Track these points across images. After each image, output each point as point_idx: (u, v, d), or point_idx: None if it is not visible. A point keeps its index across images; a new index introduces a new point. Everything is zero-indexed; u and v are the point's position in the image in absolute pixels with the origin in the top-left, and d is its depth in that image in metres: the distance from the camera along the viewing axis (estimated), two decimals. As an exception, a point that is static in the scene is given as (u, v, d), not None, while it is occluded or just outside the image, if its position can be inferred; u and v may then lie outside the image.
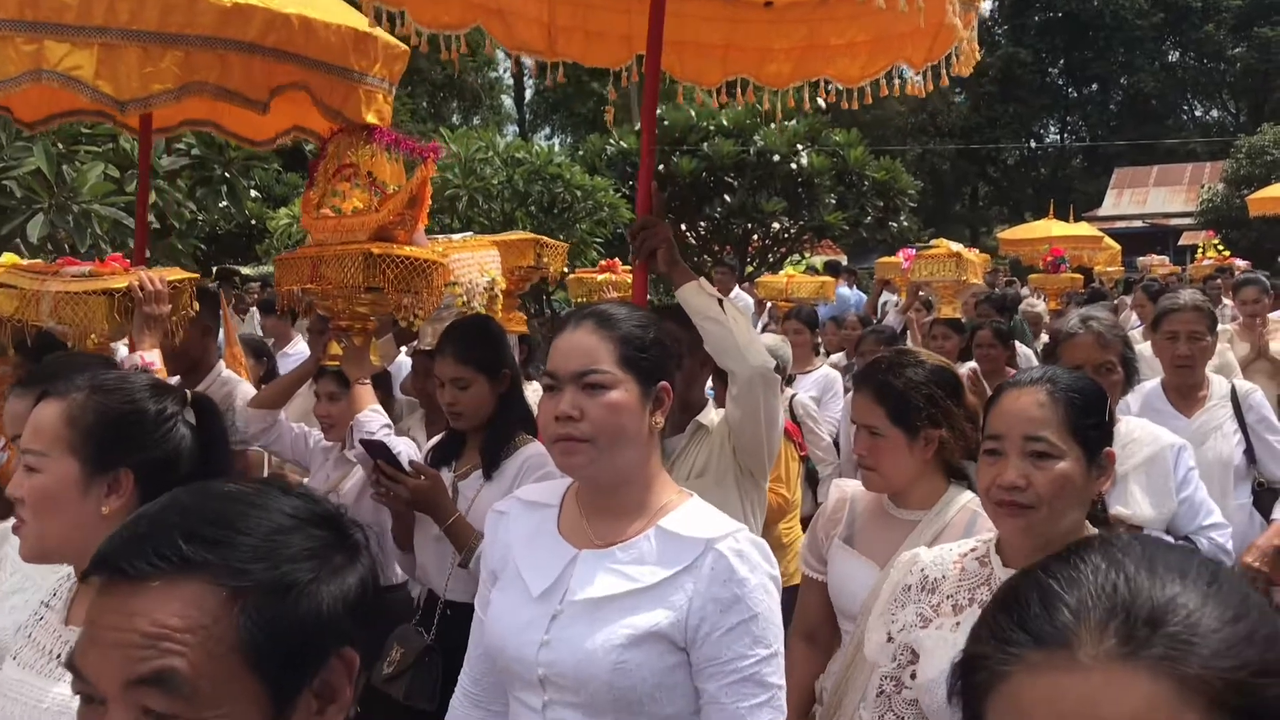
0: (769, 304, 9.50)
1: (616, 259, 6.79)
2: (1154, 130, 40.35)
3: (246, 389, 3.83)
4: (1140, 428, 3.09)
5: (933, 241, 7.42)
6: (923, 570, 2.01)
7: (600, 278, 6.13)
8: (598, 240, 11.56)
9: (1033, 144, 46.16)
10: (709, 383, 3.10)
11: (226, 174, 7.81)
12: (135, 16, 2.79)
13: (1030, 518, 1.83)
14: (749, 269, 15.21)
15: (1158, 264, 16.07)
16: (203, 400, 1.74)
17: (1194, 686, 0.71)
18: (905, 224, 16.59)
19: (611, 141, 15.00)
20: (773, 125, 14.37)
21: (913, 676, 1.92)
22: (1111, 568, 0.78)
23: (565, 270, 5.28)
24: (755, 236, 15.95)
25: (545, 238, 4.94)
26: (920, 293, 7.53)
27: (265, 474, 3.98)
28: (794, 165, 14.55)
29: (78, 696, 0.96)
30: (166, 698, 0.91)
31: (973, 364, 5.28)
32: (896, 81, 3.28)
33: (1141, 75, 42.11)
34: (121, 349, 3.31)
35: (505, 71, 36.87)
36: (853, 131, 15.90)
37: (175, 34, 2.85)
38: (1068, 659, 0.74)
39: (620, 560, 1.74)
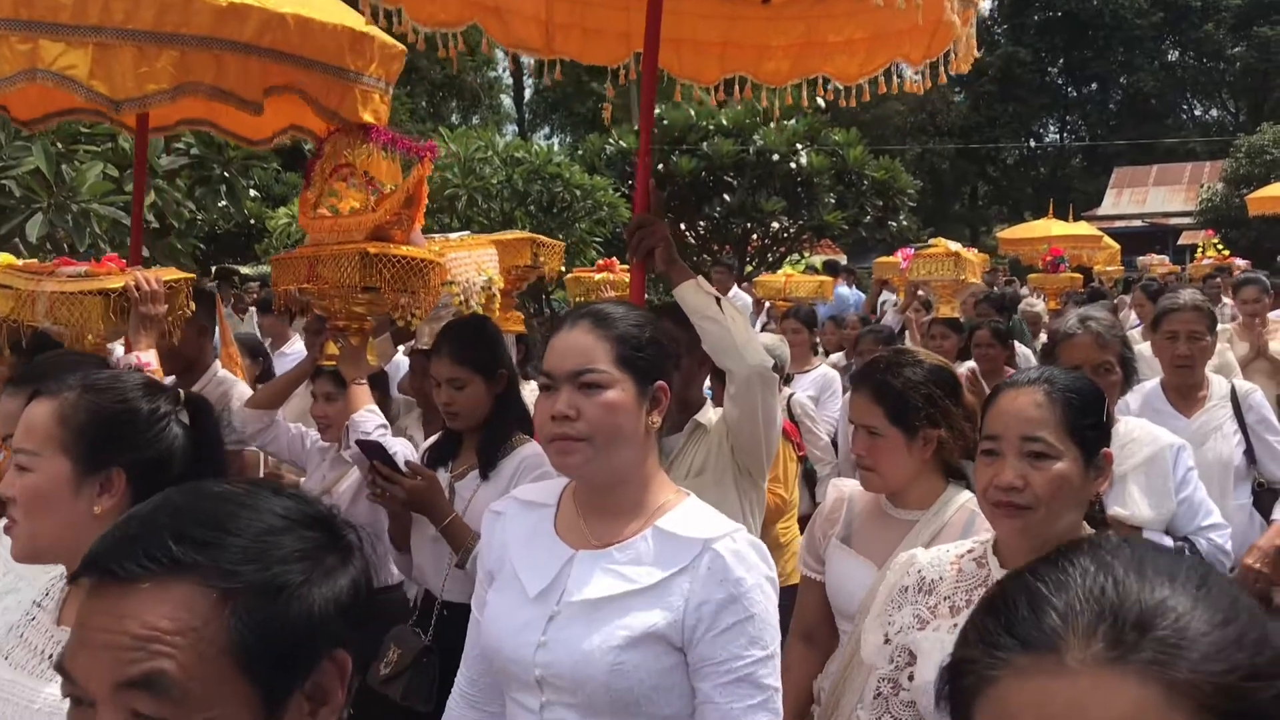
0: (767, 303, 9.50)
1: (614, 258, 6.78)
2: (1153, 130, 40.38)
3: (243, 389, 3.82)
4: (1139, 428, 3.08)
5: (931, 241, 7.41)
6: (920, 571, 2.00)
7: (598, 277, 6.13)
8: (597, 240, 11.56)
9: (1032, 143, 46.17)
10: (707, 382, 3.10)
11: (225, 173, 7.80)
12: (130, 16, 2.78)
13: (1027, 519, 1.82)
14: (748, 268, 15.21)
15: (1157, 263, 16.06)
16: (196, 400, 1.73)
17: (1183, 691, 0.70)
18: (905, 223, 16.60)
19: (611, 141, 15.01)
20: (772, 125, 14.38)
21: (910, 678, 1.91)
22: (1100, 570, 0.77)
23: (562, 270, 5.26)
24: (755, 236, 15.96)
25: (541, 237, 4.94)
26: (920, 292, 7.52)
27: (261, 474, 3.97)
28: (793, 165, 14.56)
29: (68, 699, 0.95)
30: (156, 700, 0.90)
31: (971, 363, 5.27)
32: (895, 79, 3.27)
33: (1141, 74, 42.13)
34: (118, 349, 3.30)
35: (504, 71, 36.89)
36: (852, 131, 15.92)
37: (170, 34, 2.84)
38: (1055, 663, 0.73)
39: (617, 561, 1.73)
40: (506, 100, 40.07)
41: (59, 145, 6.78)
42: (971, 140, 40.46)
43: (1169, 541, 2.90)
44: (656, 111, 13.72)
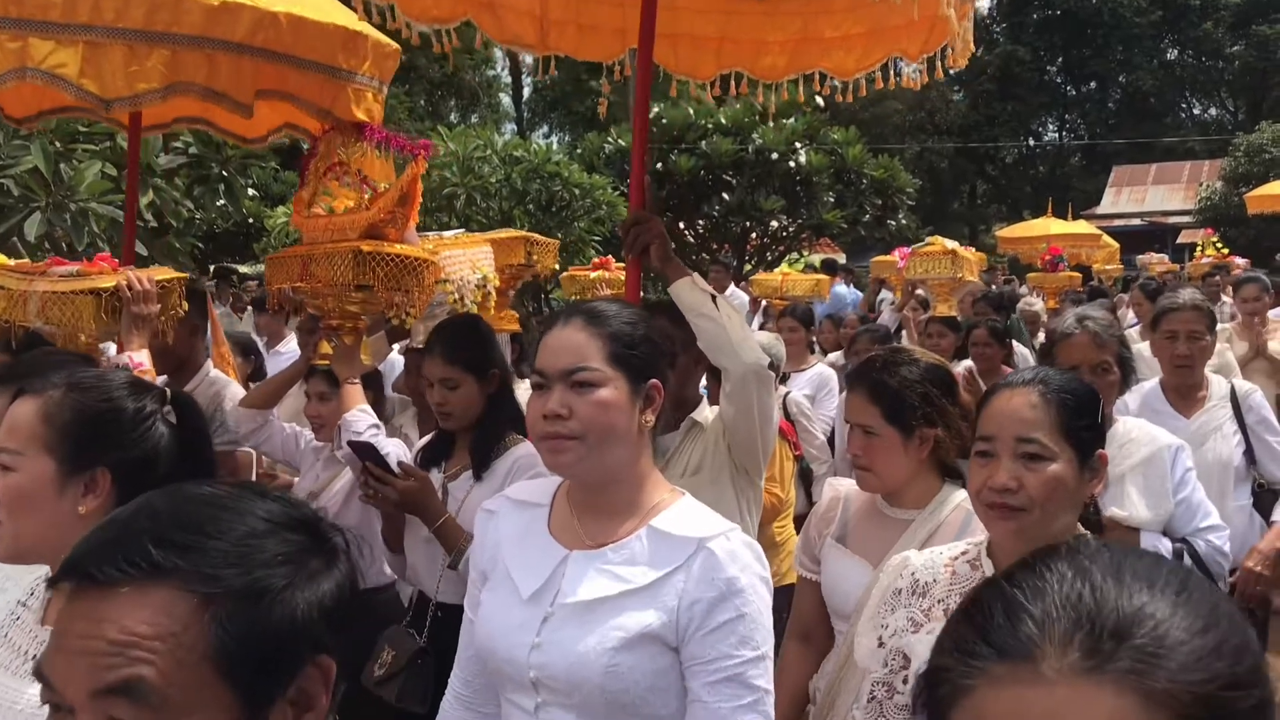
0: (764, 302, 9.50)
1: (610, 256, 6.77)
2: (1152, 128, 40.39)
3: (236, 390, 3.81)
4: (1138, 428, 3.06)
5: (928, 239, 7.40)
6: (913, 574, 1.99)
7: (593, 275, 6.11)
8: (596, 238, 11.55)
9: (1031, 142, 46.18)
10: (703, 380, 3.08)
11: (224, 172, 7.81)
12: (121, 14, 2.76)
13: (1022, 520, 1.81)
14: (747, 267, 15.21)
15: (1156, 262, 16.06)
16: (183, 399, 1.72)
17: (1161, 701, 0.69)
18: (904, 222, 16.61)
19: (610, 139, 14.99)
20: (771, 123, 14.37)
21: (905, 682, 1.90)
22: (1078, 576, 0.76)
23: (557, 268, 5.25)
24: (754, 235, 15.95)
25: (535, 235, 4.92)
26: (918, 291, 7.51)
27: (255, 474, 3.96)
28: (792, 163, 14.55)
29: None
30: (134, 707, 0.89)
31: (968, 362, 5.26)
32: (892, 75, 3.26)
33: (1140, 73, 42.16)
34: (111, 349, 3.28)
35: (503, 70, 36.92)
36: (851, 129, 15.92)
37: (161, 32, 2.82)
38: (1032, 672, 0.72)
39: (612, 561, 1.72)
40: (505, 99, 40.08)
41: (57, 144, 6.78)
42: (970, 139, 40.46)
43: (1167, 543, 2.89)
44: (655, 110, 13.82)
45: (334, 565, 1.02)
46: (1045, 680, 0.71)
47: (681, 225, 15.16)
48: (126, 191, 4.17)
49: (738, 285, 11.46)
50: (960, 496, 2.37)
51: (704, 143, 14.37)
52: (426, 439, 3.22)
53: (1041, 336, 7.67)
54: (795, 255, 16.15)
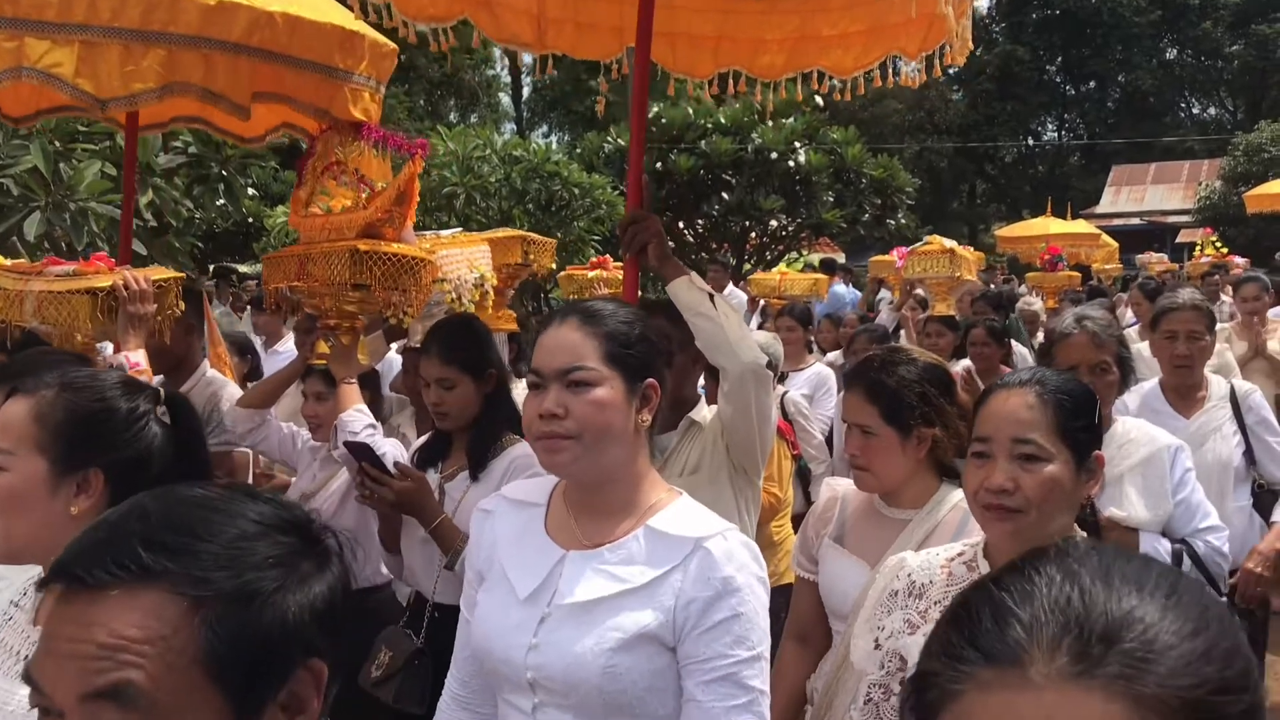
0: (762, 301, 9.49)
1: (608, 255, 6.76)
2: (1152, 128, 40.40)
3: (233, 390, 3.81)
4: (1137, 428, 3.05)
5: (926, 238, 7.39)
6: (909, 575, 1.98)
7: (591, 274, 6.10)
8: (595, 238, 11.54)
9: (1030, 141, 46.19)
10: (701, 380, 3.08)
11: (224, 172, 7.82)
12: (117, 14, 2.76)
13: (1018, 521, 1.80)
14: (746, 266, 15.21)
15: (1155, 261, 16.06)
16: (177, 399, 1.71)
17: (1150, 706, 0.68)
18: (903, 221, 16.60)
19: (609, 139, 14.98)
20: (770, 123, 14.37)
21: (901, 684, 1.89)
22: (1066, 580, 0.75)
23: (554, 267, 5.24)
24: (753, 234, 15.95)
25: (532, 234, 4.91)
26: (917, 291, 7.50)
27: (252, 475, 3.95)
28: (792, 163, 14.54)
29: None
30: (123, 711, 0.89)
31: (967, 362, 5.25)
32: (891, 73, 3.25)
33: (1139, 73, 42.17)
34: (108, 349, 3.28)
35: (503, 69, 36.88)
36: (850, 129, 15.91)
37: (158, 32, 2.81)
38: (1020, 678, 0.71)
39: (609, 561, 1.72)
40: (505, 98, 40.05)
41: (57, 144, 6.78)
42: (970, 138, 40.45)
43: (1166, 543, 2.88)
44: (655, 110, 13.82)
45: (326, 568, 1.01)
46: (1033, 685, 0.70)
47: (681, 225, 15.15)
48: (124, 191, 4.16)
49: (736, 284, 11.45)
50: (958, 496, 2.36)
51: (703, 142, 14.36)
52: (423, 439, 3.21)
53: (1040, 336, 7.67)
54: (794, 255, 16.14)
